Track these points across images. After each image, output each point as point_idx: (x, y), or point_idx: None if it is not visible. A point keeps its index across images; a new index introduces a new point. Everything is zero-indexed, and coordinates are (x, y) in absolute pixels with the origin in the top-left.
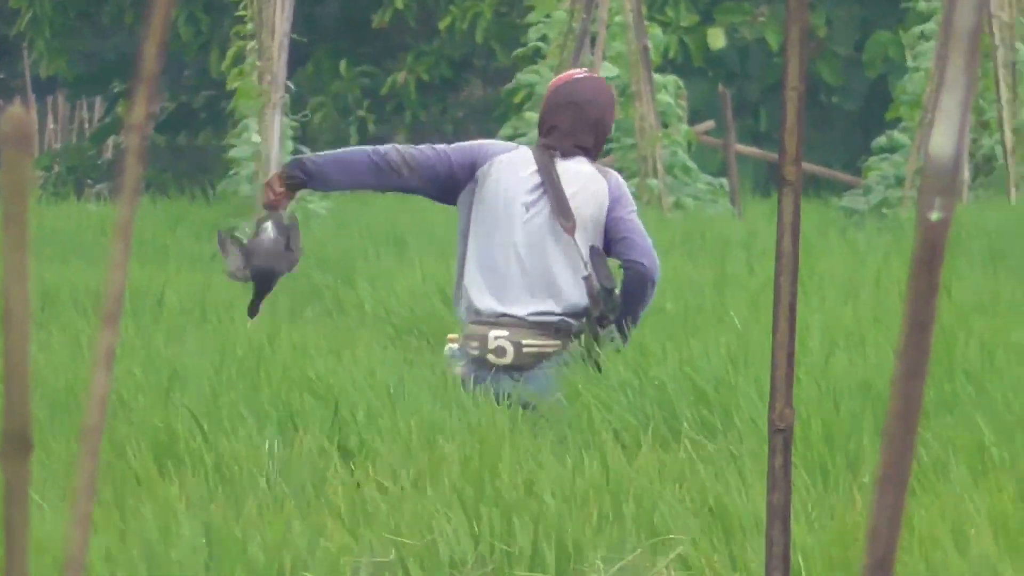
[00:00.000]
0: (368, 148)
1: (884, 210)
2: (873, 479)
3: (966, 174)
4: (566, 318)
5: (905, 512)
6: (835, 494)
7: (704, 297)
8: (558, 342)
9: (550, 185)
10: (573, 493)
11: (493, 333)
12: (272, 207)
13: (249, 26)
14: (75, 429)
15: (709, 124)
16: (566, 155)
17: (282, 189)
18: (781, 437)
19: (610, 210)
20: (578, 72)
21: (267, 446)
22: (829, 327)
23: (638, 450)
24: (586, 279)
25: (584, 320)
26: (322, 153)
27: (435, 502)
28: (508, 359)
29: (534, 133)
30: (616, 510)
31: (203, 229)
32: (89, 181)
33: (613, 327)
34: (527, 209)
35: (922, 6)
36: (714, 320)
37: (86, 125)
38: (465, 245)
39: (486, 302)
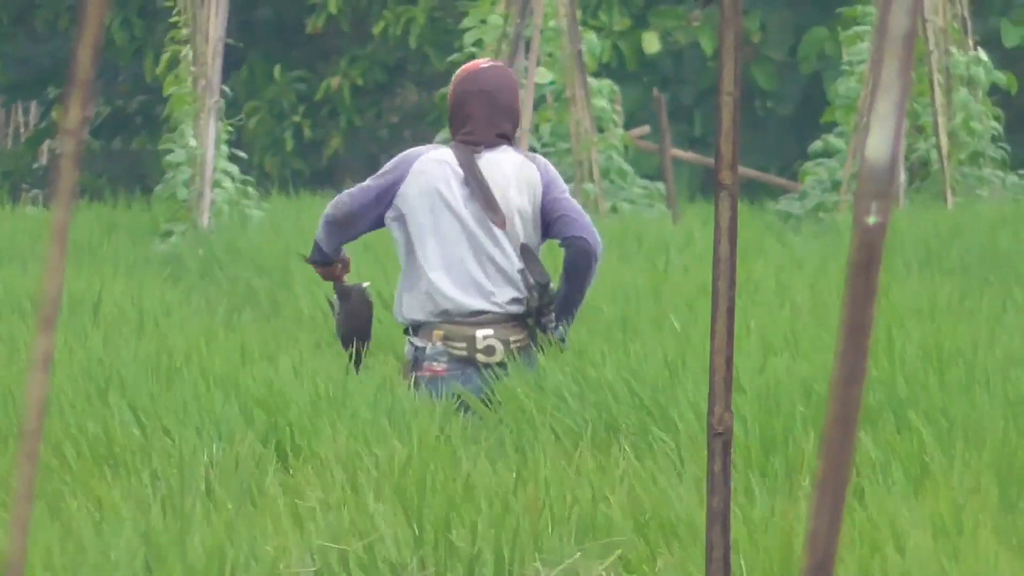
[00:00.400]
0: (325, 212)
1: (820, 214)
2: (813, 483)
3: (902, 178)
4: (526, 307)
5: (844, 515)
6: (775, 497)
7: (641, 301)
8: (526, 332)
9: (474, 181)
10: (512, 496)
11: (480, 333)
12: (330, 280)
13: (184, 31)
14: (13, 433)
15: (644, 129)
16: (490, 146)
17: (320, 270)
18: (720, 441)
19: (544, 193)
20: (482, 62)
21: (205, 449)
22: (767, 331)
23: (577, 453)
24: (521, 272)
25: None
26: (319, 227)
27: (375, 505)
28: (499, 357)
29: None
30: (556, 513)
31: (139, 233)
32: (25, 186)
33: (552, 316)
34: (465, 205)
35: (857, 11)
36: (652, 324)
37: (21, 130)
38: (412, 253)
39: (459, 299)
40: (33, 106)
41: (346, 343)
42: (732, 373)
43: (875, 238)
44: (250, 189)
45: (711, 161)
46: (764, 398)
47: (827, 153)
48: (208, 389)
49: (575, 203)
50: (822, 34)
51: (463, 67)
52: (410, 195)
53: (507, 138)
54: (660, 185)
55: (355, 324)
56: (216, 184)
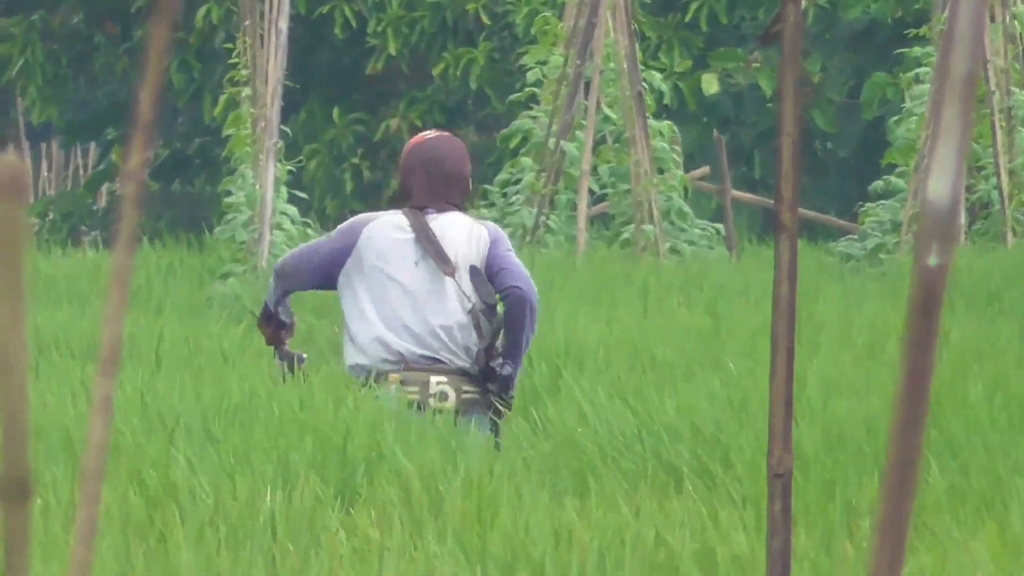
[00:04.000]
0: (276, 264)
1: (881, 255)
2: (874, 524)
3: (962, 219)
4: (474, 364)
5: (905, 557)
6: (836, 539)
7: (701, 343)
8: (480, 389)
9: (425, 238)
10: (572, 541)
11: (434, 379)
12: (273, 344)
13: (243, 73)
14: (75, 476)
15: (704, 170)
16: (440, 211)
17: (269, 329)
18: (780, 482)
19: (490, 248)
20: (429, 133)
21: (267, 492)
22: (827, 373)
23: (637, 497)
24: (470, 313)
25: (478, 362)
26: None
27: (436, 550)
28: (451, 404)
29: (529, 178)
30: (617, 557)
31: (198, 276)
32: (84, 228)
33: (500, 360)
34: (416, 267)
35: (917, 51)
36: (711, 366)
37: (81, 172)
38: (363, 312)
39: (411, 348)
40: (92, 148)
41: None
42: (792, 414)
43: (936, 280)
44: (310, 231)
45: (771, 202)
46: (824, 439)
47: (888, 194)
48: (268, 430)
49: (516, 259)
50: (883, 79)
51: (412, 139)
52: (363, 257)
53: (456, 206)
54: (720, 226)
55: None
56: (276, 226)
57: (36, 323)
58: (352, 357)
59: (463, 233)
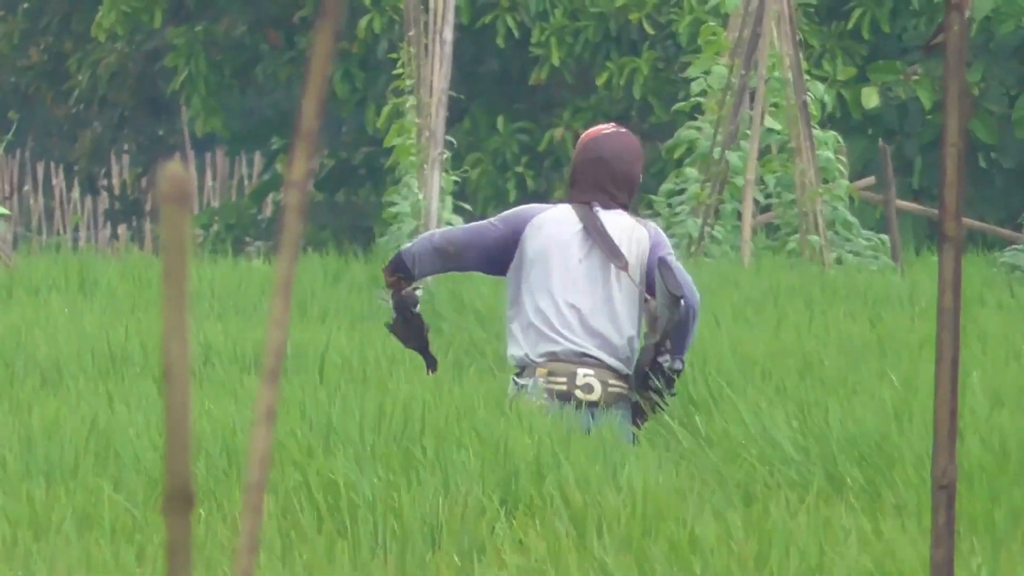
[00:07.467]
0: (429, 235)
1: None
2: None
3: None
4: (630, 361)
5: None
6: (1001, 550)
7: (866, 354)
8: (627, 385)
9: (595, 232)
10: (736, 551)
11: (581, 371)
12: (394, 289)
13: (407, 83)
14: (238, 486)
15: (870, 180)
16: (604, 207)
17: (393, 278)
18: (944, 493)
19: (651, 251)
20: (606, 128)
21: (430, 502)
22: (992, 383)
23: (801, 506)
24: (643, 308)
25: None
26: (414, 245)
27: (602, 560)
28: (595, 396)
29: (694, 188)
30: (781, 568)
31: (363, 286)
32: (248, 238)
33: (668, 356)
34: (580, 261)
35: None
36: (875, 377)
37: (245, 182)
38: (523, 302)
39: (567, 344)
40: (257, 157)
41: (405, 344)
42: (957, 426)
43: None
44: None
45: (935, 213)
46: (988, 451)
47: None
48: (434, 440)
49: (678, 262)
50: None
51: (586, 132)
52: (529, 248)
53: (622, 205)
54: (885, 237)
55: (412, 333)
56: None
57: (201, 333)
58: (510, 347)
59: (624, 233)
